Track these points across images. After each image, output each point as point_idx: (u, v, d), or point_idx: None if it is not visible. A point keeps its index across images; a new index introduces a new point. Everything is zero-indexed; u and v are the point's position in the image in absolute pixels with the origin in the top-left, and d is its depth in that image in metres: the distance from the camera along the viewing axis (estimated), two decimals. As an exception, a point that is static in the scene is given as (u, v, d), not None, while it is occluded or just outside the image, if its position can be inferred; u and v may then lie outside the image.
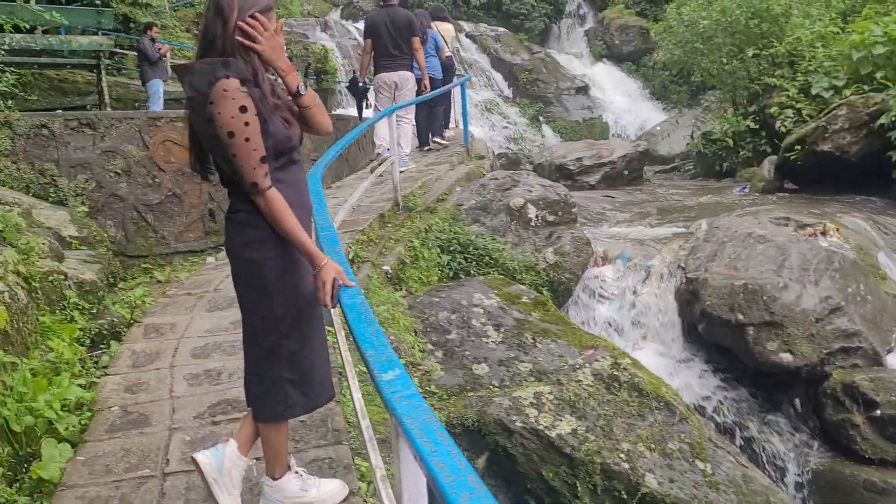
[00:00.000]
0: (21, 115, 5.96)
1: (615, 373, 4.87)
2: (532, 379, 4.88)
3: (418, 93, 8.03)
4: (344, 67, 18.96)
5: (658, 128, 18.51)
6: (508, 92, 21.65)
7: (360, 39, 21.93)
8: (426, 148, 9.28)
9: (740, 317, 5.90)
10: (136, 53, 11.91)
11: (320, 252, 2.31)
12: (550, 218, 7.56)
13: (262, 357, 2.38)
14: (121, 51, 14.32)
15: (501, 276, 6.34)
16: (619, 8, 25.48)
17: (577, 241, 7.30)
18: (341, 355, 2.87)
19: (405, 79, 7.77)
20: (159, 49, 11.24)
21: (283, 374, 2.35)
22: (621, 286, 7.23)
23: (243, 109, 2.13)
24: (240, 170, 2.18)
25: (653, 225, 8.73)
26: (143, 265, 6.40)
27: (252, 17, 2.19)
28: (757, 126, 12.20)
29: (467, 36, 22.61)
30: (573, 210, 7.71)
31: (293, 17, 21.38)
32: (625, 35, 24.51)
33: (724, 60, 12.70)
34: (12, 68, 6.63)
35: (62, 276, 4.51)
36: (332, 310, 2.59)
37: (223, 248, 7.17)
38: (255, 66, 2.25)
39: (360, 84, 8.61)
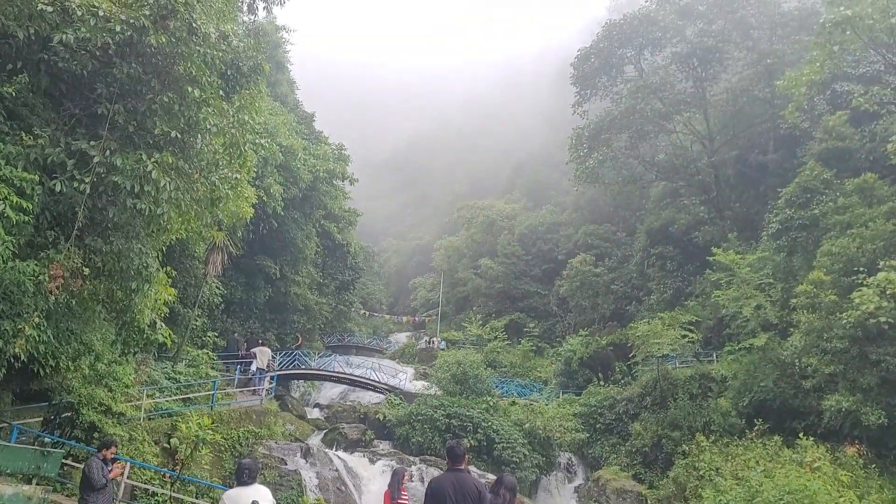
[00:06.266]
0: None
1: None
2: None
3: None
4: (324, 505, 16.98)
5: None
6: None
7: (341, 470, 20.46)
8: None
9: None
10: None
11: None
12: None
13: None
14: (74, 464, 12.69)
15: None
16: (615, 469, 24.48)
17: None
18: None
19: None
20: (110, 471, 9.72)
21: None
22: None
23: None
24: None
25: None
26: None
27: None
28: None
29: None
30: None
31: (274, 439, 20.13)
32: (621, 499, 22.97)
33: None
34: None
35: None
36: None
37: None
38: None
39: None
